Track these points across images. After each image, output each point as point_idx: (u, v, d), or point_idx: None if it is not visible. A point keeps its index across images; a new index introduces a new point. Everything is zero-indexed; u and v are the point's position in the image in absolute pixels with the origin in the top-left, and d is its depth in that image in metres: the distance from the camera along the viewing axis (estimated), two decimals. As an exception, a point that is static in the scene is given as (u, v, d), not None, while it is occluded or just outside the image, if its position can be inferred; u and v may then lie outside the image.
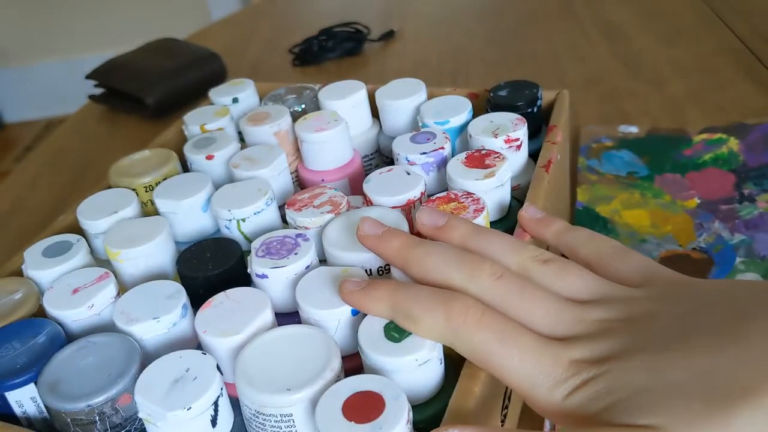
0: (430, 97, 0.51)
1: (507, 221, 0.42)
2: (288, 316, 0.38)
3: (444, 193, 0.40)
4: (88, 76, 0.90)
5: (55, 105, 2.55)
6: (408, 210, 0.41)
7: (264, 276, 0.37)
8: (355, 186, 0.49)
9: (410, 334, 0.32)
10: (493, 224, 0.42)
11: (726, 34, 0.85)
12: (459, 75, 0.86)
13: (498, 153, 0.42)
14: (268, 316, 0.35)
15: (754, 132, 0.64)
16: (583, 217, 0.57)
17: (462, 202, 0.39)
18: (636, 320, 0.31)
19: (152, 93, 0.82)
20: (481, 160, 0.42)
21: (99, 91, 0.92)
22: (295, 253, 0.37)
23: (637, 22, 0.92)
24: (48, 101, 2.62)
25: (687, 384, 0.27)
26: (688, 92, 0.74)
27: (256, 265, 0.37)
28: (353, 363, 0.35)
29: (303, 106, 0.54)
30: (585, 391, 0.29)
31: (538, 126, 0.50)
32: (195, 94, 0.78)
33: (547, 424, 0.42)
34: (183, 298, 0.36)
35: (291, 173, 0.50)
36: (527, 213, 0.38)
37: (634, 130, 0.67)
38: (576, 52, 0.87)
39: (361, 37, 0.95)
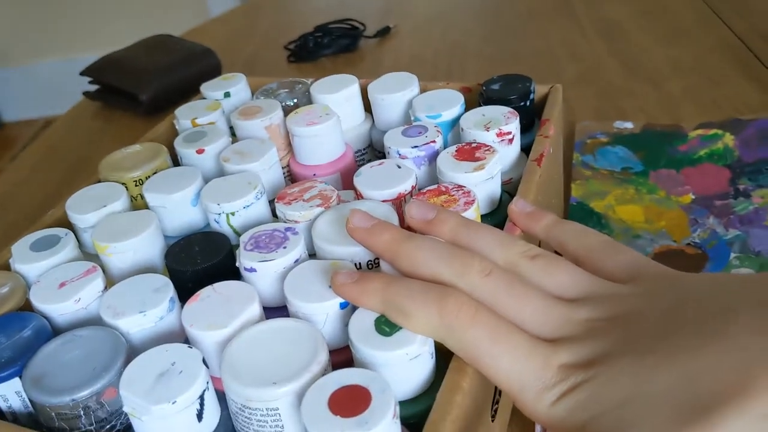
0: (422, 91, 0.51)
1: (497, 215, 0.42)
2: (277, 310, 0.37)
3: (435, 186, 0.39)
4: (83, 73, 0.90)
5: (53, 104, 2.54)
6: (399, 204, 0.40)
7: (252, 270, 0.37)
8: (347, 180, 0.48)
9: (401, 328, 0.32)
10: (484, 218, 0.41)
11: (724, 31, 0.84)
12: (455, 72, 0.86)
13: (488, 146, 0.41)
14: (255, 310, 0.34)
15: (749, 127, 0.63)
16: (577, 212, 0.57)
17: (453, 195, 0.38)
18: (622, 319, 0.30)
19: (146, 89, 0.82)
20: (471, 153, 0.41)
21: (94, 87, 0.91)
22: (284, 247, 0.37)
23: (634, 20, 0.92)
24: (47, 100, 2.62)
25: (670, 390, 0.26)
26: (684, 89, 0.74)
27: (244, 259, 0.37)
28: (342, 357, 0.35)
29: (295, 100, 0.54)
30: (571, 398, 0.28)
31: (531, 120, 0.50)
32: (189, 90, 0.77)
33: (538, 426, 0.42)
34: (170, 291, 0.36)
35: (283, 168, 0.50)
36: (517, 206, 0.38)
37: (629, 125, 0.67)
38: (573, 50, 0.87)
39: (357, 34, 0.95)
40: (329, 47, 0.93)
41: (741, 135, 0.63)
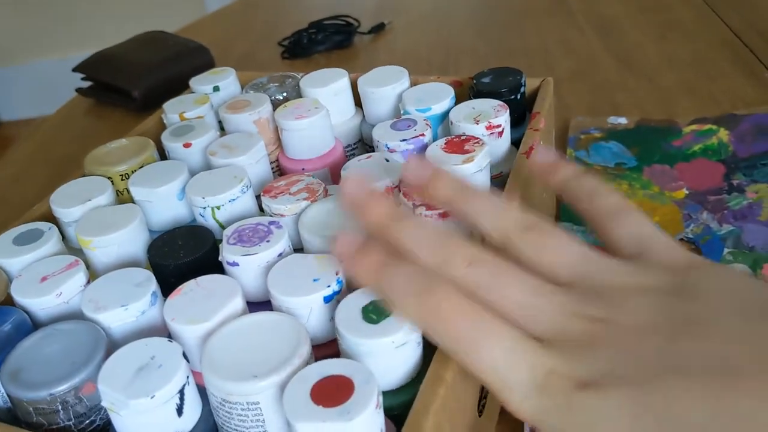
0: (413, 84, 0.51)
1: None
2: (261, 305, 0.37)
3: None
4: (75, 69, 0.89)
5: (52, 103, 2.53)
6: (398, 194, 0.40)
7: (235, 264, 0.36)
8: (336, 175, 0.48)
9: (388, 316, 0.31)
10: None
11: (720, 28, 0.84)
12: (449, 68, 0.85)
13: (477, 138, 0.41)
14: (238, 304, 0.34)
15: (744, 122, 0.63)
16: (568, 206, 0.56)
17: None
18: (620, 328, 0.27)
19: (139, 85, 0.82)
20: (460, 145, 0.41)
21: (87, 84, 0.91)
22: (268, 241, 0.37)
23: (630, 16, 0.91)
24: (45, 99, 2.61)
25: None
26: (680, 85, 0.73)
27: (227, 253, 0.36)
28: (327, 351, 0.34)
29: (285, 94, 0.54)
30: (558, 417, 0.26)
31: (522, 114, 0.49)
32: (182, 87, 0.77)
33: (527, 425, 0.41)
34: (152, 285, 0.35)
35: (272, 162, 0.49)
36: (539, 156, 0.35)
37: (623, 121, 0.67)
38: (568, 46, 0.86)
39: (351, 30, 0.94)
40: (323, 43, 0.93)
41: (736, 130, 0.62)
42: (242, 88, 0.56)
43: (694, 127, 0.64)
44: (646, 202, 0.56)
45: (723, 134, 0.62)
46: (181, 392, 0.30)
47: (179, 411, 0.30)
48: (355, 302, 0.32)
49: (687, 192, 0.57)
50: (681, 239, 0.52)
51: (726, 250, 0.50)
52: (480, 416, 0.36)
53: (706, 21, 0.86)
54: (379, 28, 0.97)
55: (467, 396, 0.34)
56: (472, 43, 0.91)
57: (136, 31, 0.96)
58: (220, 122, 0.53)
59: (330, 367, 0.29)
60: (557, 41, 0.88)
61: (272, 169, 0.49)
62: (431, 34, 0.96)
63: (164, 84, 0.82)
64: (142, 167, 0.46)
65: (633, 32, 0.87)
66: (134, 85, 0.82)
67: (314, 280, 0.34)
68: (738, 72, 0.73)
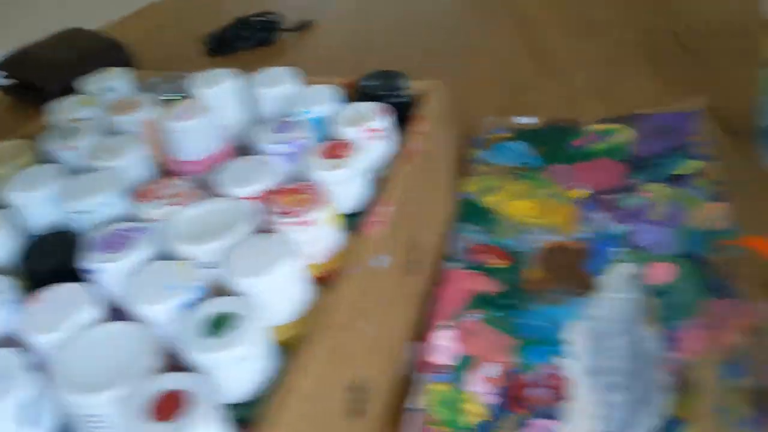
0: (310, 85, 0.50)
1: (365, 214, 0.41)
2: (122, 313, 0.36)
3: (292, 185, 0.39)
4: (-4, 66, 0.87)
5: None
6: (264, 201, 0.40)
7: (96, 270, 0.36)
8: (225, 177, 0.47)
9: (231, 328, 0.31)
10: (350, 218, 0.41)
11: (633, 27, 0.85)
12: (370, 67, 0.85)
13: (354, 143, 0.41)
14: (91, 313, 0.33)
15: (647, 122, 0.64)
16: (465, 207, 0.56)
17: (304, 194, 0.37)
18: None
19: (53, 83, 0.80)
20: (336, 150, 0.41)
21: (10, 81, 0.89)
22: (131, 247, 0.36)
23: (547, 14, 0.92)
24: None
25: None
26: (590, 84, 0.74)
27: (89, 259, 0.36)
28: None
29: (179, 95, 0.53)
30: None
31: (411, 116, 0.49)
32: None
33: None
34: (6, 293, 0.35)
35: (159, 164, 0.49)
36: None
37: (531, 121, 0.67)
38: (487, 45, 0.86)
39: (276, 27, 0.94)
40: (248, 40, 0.92)
41: (638, 130, 0.63)
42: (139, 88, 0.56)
43: (597, 126, 0.65)
44: (545, 202, 0.57)
45: (626, 134, 0.63)
46: (24, 404, 0.30)
47: (21, 424, 0.30)
48: (197, 315, 0.32)
49: (585, 191, 0.57)
50: (576, 239, 0.53)
51: (617, 249, 0.51)
52: (363, 418, 0.36)
53: (621, 21, 0.87)
54: (305, 26, 0.96)
55: (329, 403, 0.33)
56: (393, 42, 0.91)
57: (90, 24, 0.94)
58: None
59: (169, 380, 0.29)
60: (478, 40, 0.88)
61: (161, 171, 0.48)
62: (356, 32, 0.95)
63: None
64: (20, 170, 0.45)
65: (549, 31, 0.87)
66: (48, 83, 0.80)
67: (172, 287, 0.34)
68: (648, 72, 0.74)
